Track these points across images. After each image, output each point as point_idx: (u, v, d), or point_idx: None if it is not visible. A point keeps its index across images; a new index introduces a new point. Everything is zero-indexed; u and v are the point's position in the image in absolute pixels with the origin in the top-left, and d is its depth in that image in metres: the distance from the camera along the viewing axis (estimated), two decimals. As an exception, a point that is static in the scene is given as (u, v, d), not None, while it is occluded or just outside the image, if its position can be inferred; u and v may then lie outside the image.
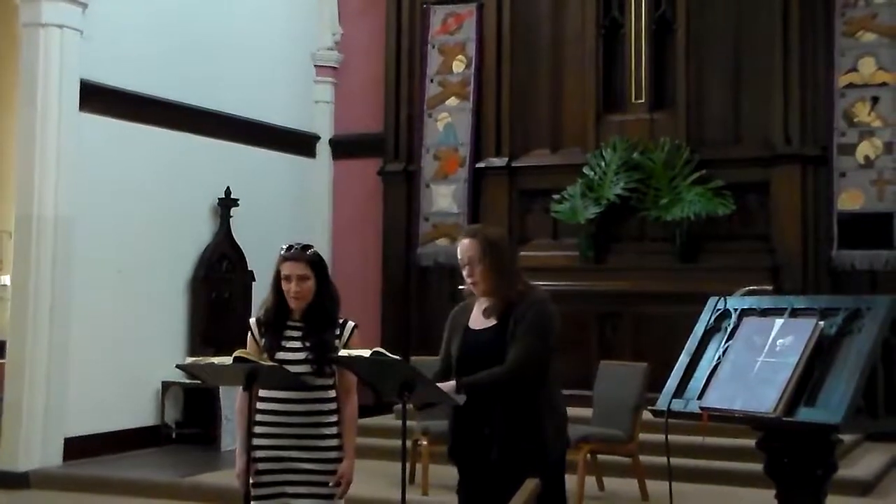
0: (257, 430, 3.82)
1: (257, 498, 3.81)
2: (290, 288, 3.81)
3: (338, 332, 3.86)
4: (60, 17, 7.58)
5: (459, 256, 3.76)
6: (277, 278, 3.85)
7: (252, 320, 3.95)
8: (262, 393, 3.82)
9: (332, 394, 3.84)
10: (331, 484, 3.79)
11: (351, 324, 3.89)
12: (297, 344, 3.82)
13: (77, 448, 7.67)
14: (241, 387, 3.87)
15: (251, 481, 3.78)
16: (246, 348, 3.86)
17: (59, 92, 7.57)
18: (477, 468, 3.70)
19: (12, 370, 7.43)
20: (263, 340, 3.87)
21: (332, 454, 3.81)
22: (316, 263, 3.85)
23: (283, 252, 3.85)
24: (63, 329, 7.57)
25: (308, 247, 3.89)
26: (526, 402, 3.61)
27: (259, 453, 3.80)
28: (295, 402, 3.80)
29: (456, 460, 3.80)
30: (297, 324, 3.85)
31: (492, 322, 3.70)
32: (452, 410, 3.72)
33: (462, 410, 3.61)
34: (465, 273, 3.75)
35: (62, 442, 7.58)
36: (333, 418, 3.84)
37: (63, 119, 7.59)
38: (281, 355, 3.81)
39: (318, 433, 3.80)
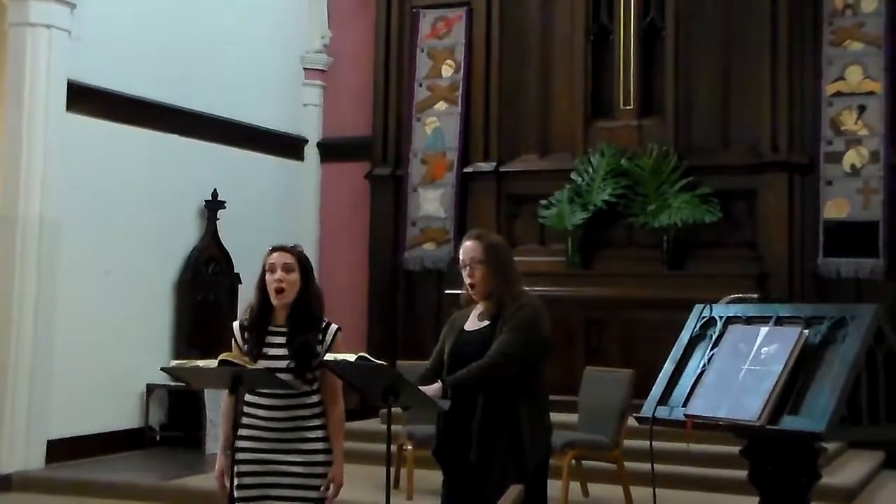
0: (241, 432, 3.81)
1: (240, 500, 3.80)
2: (274, 278, 3.79)
3: (320, 336, 3.83)
4: (48, 18, 7.55)
5: (461, 258, 3.83)
6: (262, 277, 3.84)
7: (235, 324, 3.93)
8: (246, 397, 3.82)
9: (315, 398, 3.82)
10: (322, 488, 3.78)
11: (334, 327, 3.87)
12: (281, 351, 3.79)
13: (60, 450, 7.63)
14: (226, 390, 3.87)
15: (234, 484, 3.78)
16: (230, 352, 3.86)
17: (46, 92, 7.53)
18: (459, 469, 3.72)
19: (-4, 371, 7.39)
20: (246, 346, 3.85)
21: (318, 457, 3.80)
22: (302, 259, 3.86)
23: (270, 247, 3.88)
24: (47, 331, 7.53)
25: (296, 245, 3.92)
26: (507, 406, 3.61)
27: (242, 455, 3.79)
28: (278, 409, 3.79)
29: (440, 460, 3.81)
30: (281, 329, 3.83)
31: (484, 324, 3.77)
32: (439, 414, 3.73)
33: (449, 411, 3.62)
34: (465, 273, 3.81)
35: (45, 444, 7.53)
36: (317, 422, 3.82)
37: (50, 119, 7.55)
38: (263, 362, 3.77)
39: (300, 437, 3.79)
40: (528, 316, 3.70)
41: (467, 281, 3.80)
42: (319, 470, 3.80)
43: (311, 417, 3.81)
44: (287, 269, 3.80)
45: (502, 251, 3.85)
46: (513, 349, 3.63)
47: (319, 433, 3.82)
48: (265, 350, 3.81)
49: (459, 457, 3.69)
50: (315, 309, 3.85)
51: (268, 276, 3.82)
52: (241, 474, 3.79)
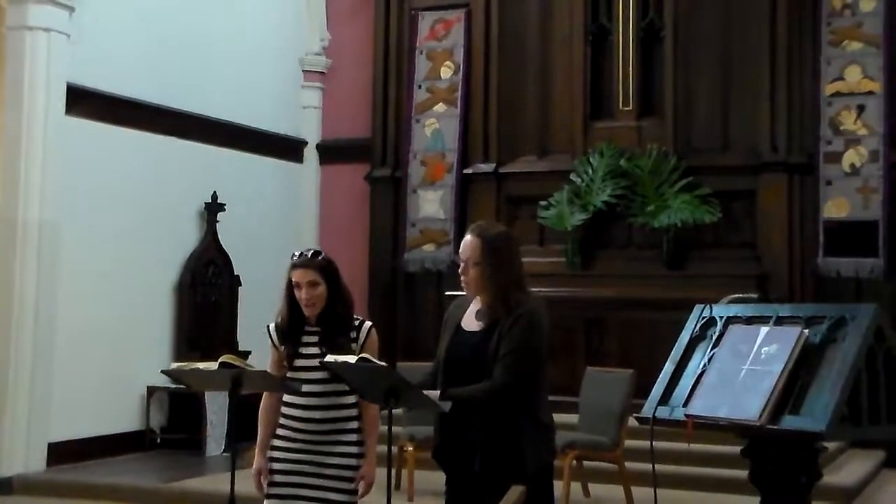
0: (278, 431, 3.88)
1: (271, 497, 3.86)
2: (301, 295, 3.82)
3: (353, 334, 3.86)
4: (47, 21, 7.55)
5: (461, 251, 3.70)
6: (289, 286, 3.86)
7: (271, 326, 3.94)
8: (285, 397, 3.87)
9: (351, 399, 3.84)
10: (353, 487, 3.81)
11: (367, 324, 3.90)
12: (315, 350, 3.82)
13: (61, 453, 7.63)
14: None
15: (266, 481, 3.86)
16: (232, 354, 3.88)
17: (46, 95, 7.53)
18: (461, 474, 3.69)
19: (-4, 374, 7.39)
20: (283, 347, 3.89)
21: (352, 461, 3.82)
22: (325, 269, 3.84)
23: (293, 259, 3.87)
24: (47, 333, 7.53)
25: (318, 253, 3.90)
26: (507, 412, 3.55)
27: (276, 454, 3.86)
28: (314, 409, 3.82)
29: (441, 463, 3.79)
30: (314, 329, 3.86)
31: (480, 326, 3.64)
32: (439, 414, 3.69)
33: (449, 415, 3.59)
34: (460, 269, 3.69)
35: (46, 447, 7.53)
36: (353, 424, 3.85)
37: (49, 122, 7.55)
38: (299, 362, 3.84)
39: (335, 439, 3.82)
40: (525, 332, 3.52)
41: (461, 278, 3.68)
42: (351, 473, 3.82)
43: (347, 419, 3.84)
44: (311, 285, 3.80)
45: (501, 251, 3.64)
46: (517, 379, 3.50)
47: (354, 437, 3.84)
48: (301, 349, 3.85)
49: (459, 460, 3.66)
50: (344, 312, 3.87)
51: (295, 291, 3.84)
52: (274, 472, 3.85)
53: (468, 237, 3.70)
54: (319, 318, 3.85)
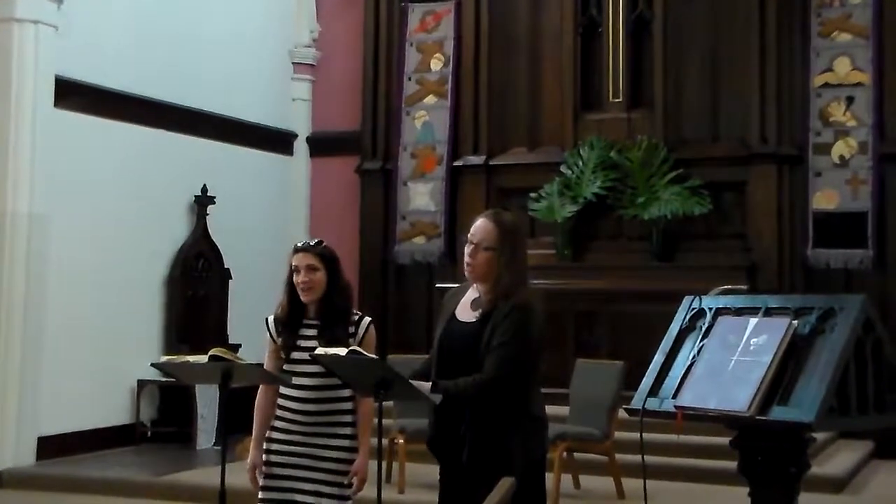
0: (274, 423, 3.88)
1: (267, 489, 3.87)
2: (299, 280, 3.84)
3: (352, 329, 3.87)
4: (35, 13, 7.51)
5: (472, 233, 3.61)
6: (290, 275, 3.88)
7: (270, 318, 3.96)
8: (281, 390, 3.88)
9: (346, 392, 3.85)
10: (346, 482, 3.82)
11: (367, 320, 3.91)
12: (313, 343, 3.82)
13: (51, 447, 7.61)
14: (261, 383, 3.96)
15: (261, 476, 3.87)
16: (223, 347, 3.88)
17: (34, 88, 7.50)
18: (452, 465, 3.68)
19: (-15, 368, 7.36)
20: (280, 340, 3.89)
21: (344, 454, 3.84)
22: (326, 257, 3.88)
23: (295, 246, 3.92)
24: (37, 327, 7.50)
25: (321, 242, 3.95)
26: (499, 406, 3.53)
27: (271, 445, 3.87)
28: (310, 402, 3.83)
29: (434, 453, 3.78)
30: (313, 321, 3.88)
31: (475, 316, 3.59)
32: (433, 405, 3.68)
33: (442, 406, 3.57)
34: (467, 251, 3.60)
35: (36, 441, 7.52)
36: (348, 418, 3.86)
37: (37, 115, 7.52)
38: (296, 355, 3.85)
39: (331, 432, 3.83)
40: (517, 325, 3.48)
41: (466, 259, 3.59)
42: (345, 467, 3.83)
43: (343, 413, 3.86)
44: (310, 269, 3.83)
45: (518, 240, 3.62)
46: (504, 370, 3.46)
47: (348, 430, 3.85)
48: (298, 342, 3.86)
49: (451, 452, 3.66)
50: (340, 303, 3.88)
51: (294, 277, 3.86)
52: (269, 464, 3.86)
53: (483, 220, 3.62)
54: (318, 311, 3.86)
